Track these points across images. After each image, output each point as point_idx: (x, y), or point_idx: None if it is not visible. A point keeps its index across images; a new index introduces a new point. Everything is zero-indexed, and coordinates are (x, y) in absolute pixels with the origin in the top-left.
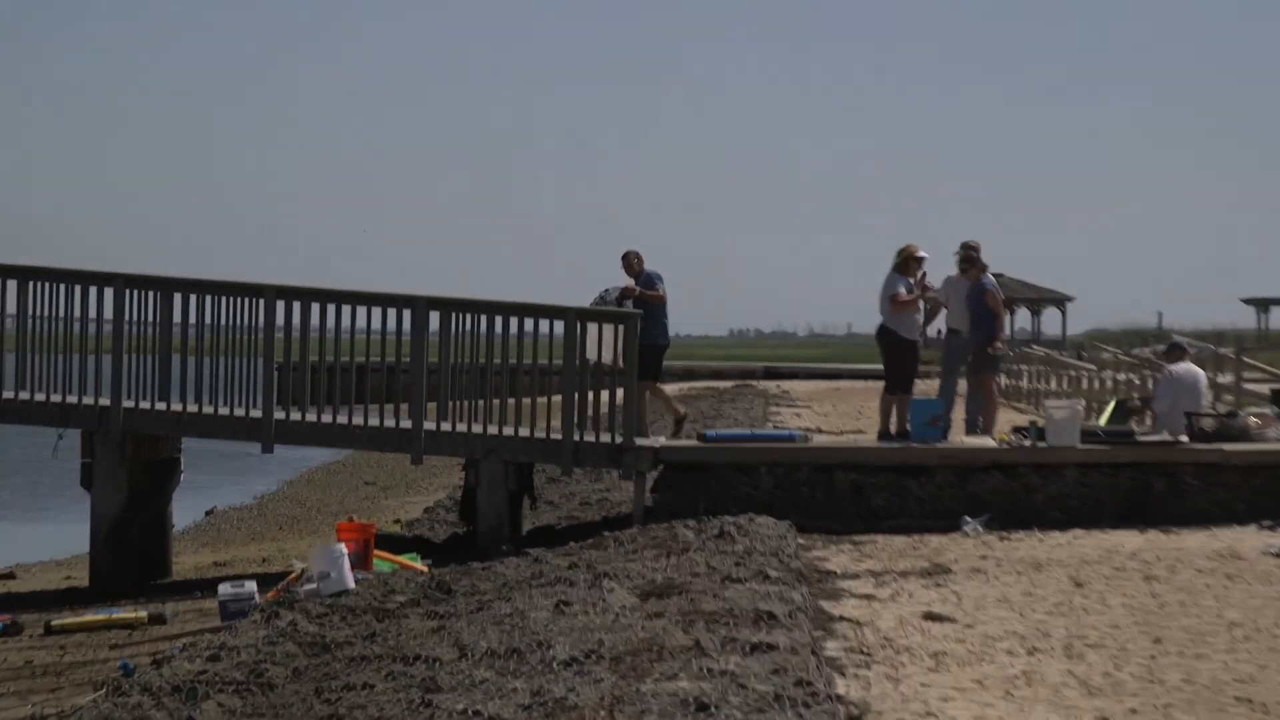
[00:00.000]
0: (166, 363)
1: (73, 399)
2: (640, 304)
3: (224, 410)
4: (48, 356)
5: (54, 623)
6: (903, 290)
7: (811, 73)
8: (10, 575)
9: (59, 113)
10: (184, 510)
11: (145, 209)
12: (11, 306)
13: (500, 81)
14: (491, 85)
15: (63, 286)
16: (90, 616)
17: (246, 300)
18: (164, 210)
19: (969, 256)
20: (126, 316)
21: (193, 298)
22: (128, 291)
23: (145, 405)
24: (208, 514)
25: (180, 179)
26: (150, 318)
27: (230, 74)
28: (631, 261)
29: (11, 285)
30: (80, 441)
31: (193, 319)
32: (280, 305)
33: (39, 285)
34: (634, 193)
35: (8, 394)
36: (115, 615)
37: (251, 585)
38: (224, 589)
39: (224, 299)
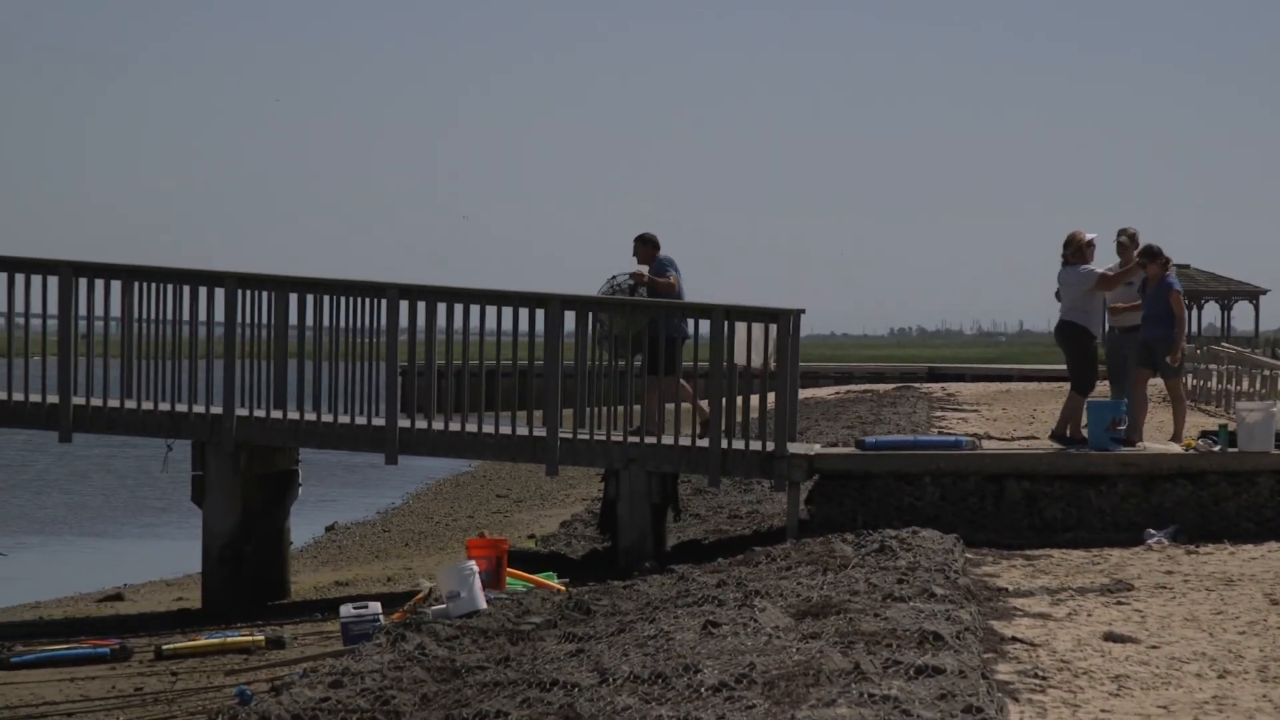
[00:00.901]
0: (282, 368)
1: (182, 408)
2: (651, 292)
3: (344, 419)
4: (155, 363)
5: (165, 647)
6: (1101, 270)
7: (961, 50)
8: (118, 596)
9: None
10: (302, 526)
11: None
12: (116, 309)
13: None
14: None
15: (170, 287)
16: (204, 640)
17: (367, 300)
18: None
19: (1152, 250)
20: (239, 319)
21: (310, 298)
22: (240, 292)
23: (260, 414)
24: (328, 530)
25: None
26: (264, 320)
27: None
28: (645, 246)
29: (115, 286)
30: (190, 453)
31: (310, 321)
32: (404, 305)
33: (145, 286)
34: (785, 185)
35: (113, 403)
36: (230, 639)
37: (376, 606)
38: (346, 610)
39: (343, 299)
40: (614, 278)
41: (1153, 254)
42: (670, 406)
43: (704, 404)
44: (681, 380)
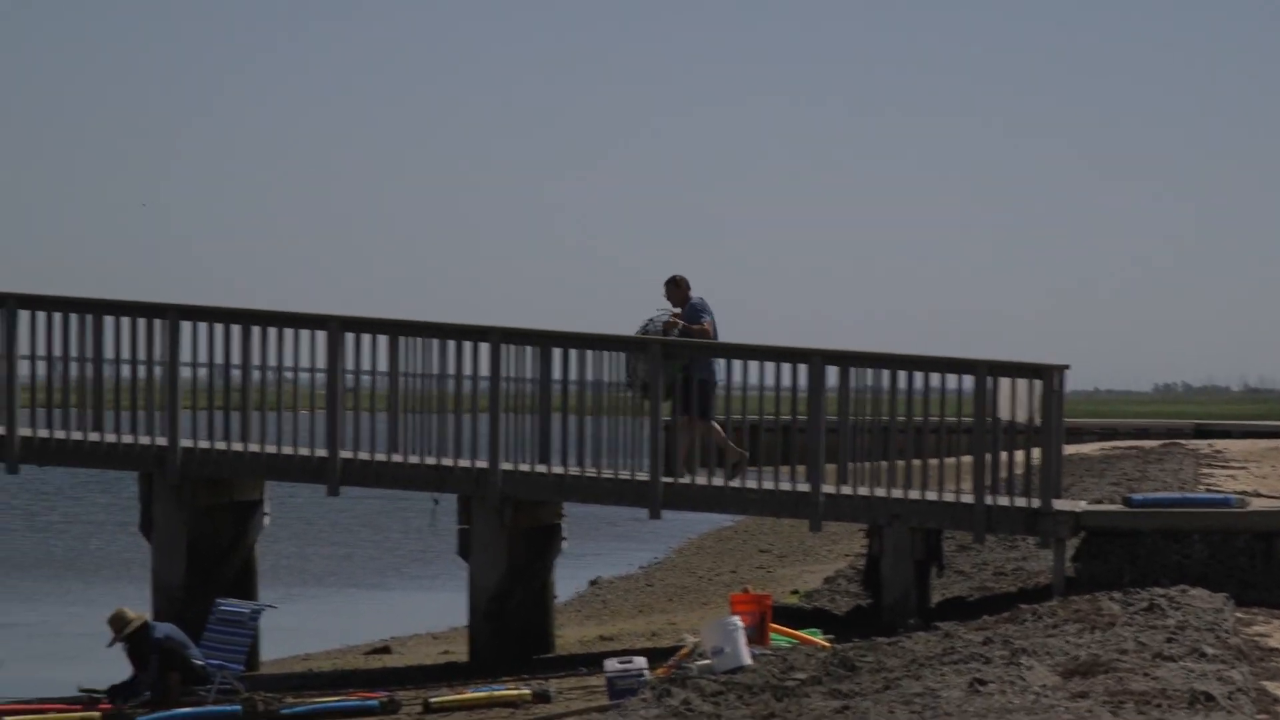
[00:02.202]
0: (546, 422)
1: (448, 462)
2: (684, 335)
3: (608, 473)
4: (421, 417)
5: (433, 700)
6: None
7: (1241, 113)
8: (386, 649)
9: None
10: (566, 580)
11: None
12: (383, 364)
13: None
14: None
15: (435, 342)
16: (470, 694)
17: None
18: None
19: None
20: (503, 373)
21: (573, 352)
22: (504, 347)
23: (525, 468)
24: (591, 584)
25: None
26: (528, 374)
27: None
28: (677, 288)
29: (382, 341)
30: (457, 507)
31: (573, 375)
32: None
33: (410, 341)
34: (1047, 240)
35: (380, 457)
36: (497, 692)
37: (641, 661)
38: (611, 665)
39: (605, 354)
40: (650, 320)
41: None
42: (933, 462)
43: (735, 447)
44: (713, 423)
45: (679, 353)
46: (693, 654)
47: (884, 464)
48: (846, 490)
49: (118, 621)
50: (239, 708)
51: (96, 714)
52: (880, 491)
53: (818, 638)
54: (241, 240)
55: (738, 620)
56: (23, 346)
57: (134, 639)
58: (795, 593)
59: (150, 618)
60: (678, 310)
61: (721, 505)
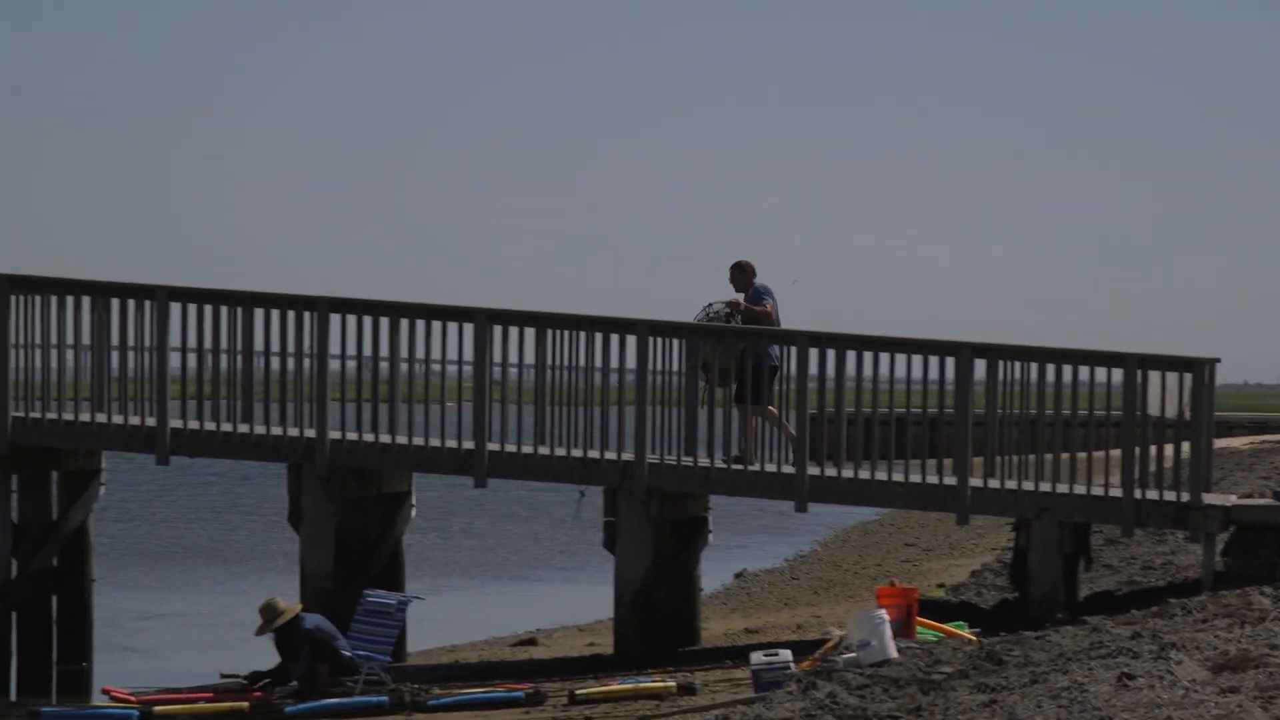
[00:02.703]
0: (693, 414)
1: (594, 454)
2: (747, 320)
3: (754, 466)
4: (568, 409)
5: (579, 692)
6: None
7: None
8: (531, 641)
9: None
10: (711, 573)
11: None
12: (530, 356)
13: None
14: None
15: (582, 334)
16: (616, 686)
17: (777, 348)
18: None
19: None
20: (649, 366)
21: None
22: (651, 339)
23: (671, 460)
24: (736, 577)
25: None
26: (674, 367)
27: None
28: (742, 273)
29: (529, 333)
30: (603, 499)
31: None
32: (813, 352)
33: (557, 334)
34: (1200, 227)
35: (526, 449)
36: (642, 684)
37: (786, 654)
38: (757, 658)
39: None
40: (710, 305)
41: None
42: (1081, 456)
43: (790, 427)
44: (770, 407)
45: (742, 338)
46: (838, 647)
47: (1031, 457)
48: (994, 484)
49: (269, 611)
50: (385, 699)
51: (245, 704)
52: (1028, 485)
53: (964, 631)
54: (393, 236)
55: (884, 614)
56: (173, 339)
57: (284, 630)
58: (941, 586)
59: (300, 609)
60: (740, 295)
61: (867, 498)
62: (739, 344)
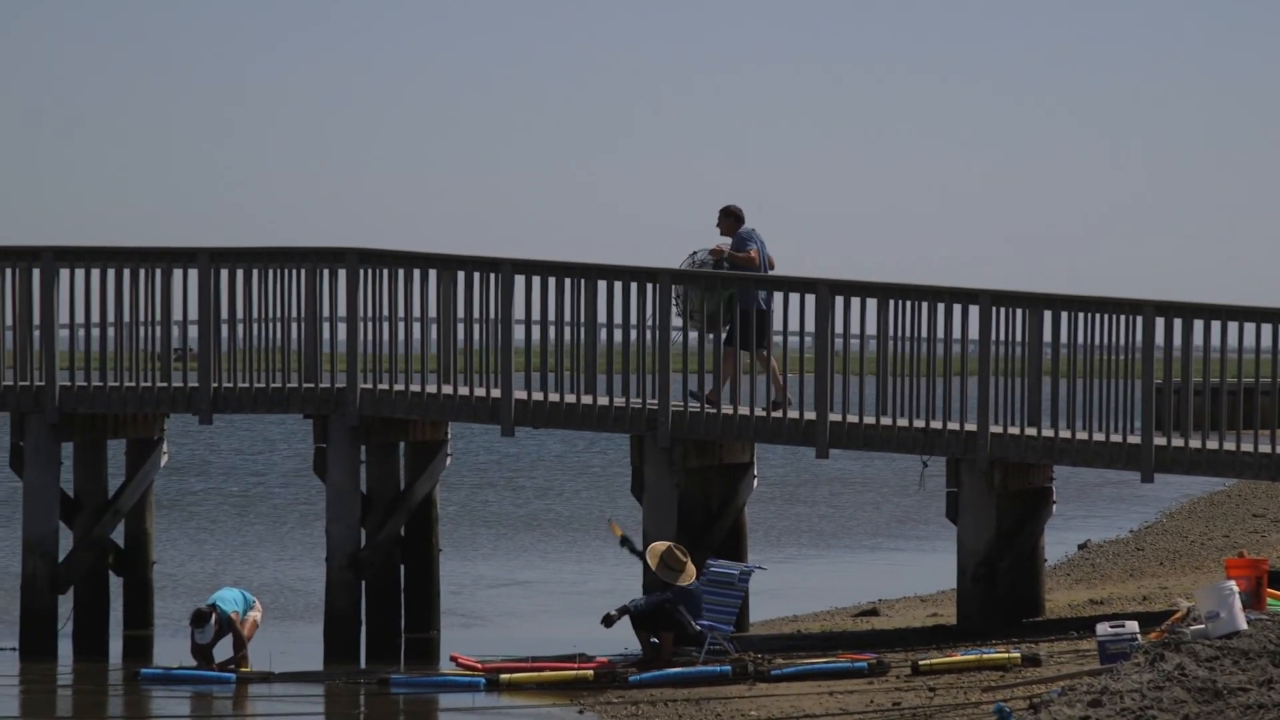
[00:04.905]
0: (1036, 385)
1: (936, 424)
2: (732, 267)
3: (1099, 436)
4: (910, 380)
5: (921, 662)
6: None
7: None
8: (874, 612)
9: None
10: (1054, 544)
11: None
12: (871, 328)
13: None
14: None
15: (925, 305)
16: (959, 657)
17: (1121, 318)
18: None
19: None
20: (993, 336)
21: (1064, 315)
22: (994, 309)
23: (1014, 431)
24: (1080, 547)
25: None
26: (1018, 338)
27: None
28: (729, 218)
29: (871, 304)
30: (945, 470)
31: (1064, 338)
32: (1160, 323)
33: (900, 304)
34: None
35: (869, 419)
36: (986, 655)
37: (1133, 625)
38: (1103, 629)
39: (1097, 316)
40: (694, 253)
41: None
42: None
43: (780, 380)
44: (764, 352)
45: (730, 282)
46: (1186, 618)
47: None
48: None
49: (672, 558)
50: (728, 668)
51: (589, 672)
52: None
53: None
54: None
55: (1233, 585)
56: (517, 311)
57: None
58: None
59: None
60: (725, 240)
61: (1216, 469)
62: (726, 289)
